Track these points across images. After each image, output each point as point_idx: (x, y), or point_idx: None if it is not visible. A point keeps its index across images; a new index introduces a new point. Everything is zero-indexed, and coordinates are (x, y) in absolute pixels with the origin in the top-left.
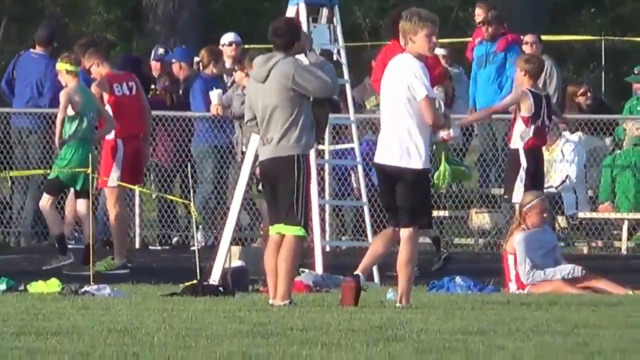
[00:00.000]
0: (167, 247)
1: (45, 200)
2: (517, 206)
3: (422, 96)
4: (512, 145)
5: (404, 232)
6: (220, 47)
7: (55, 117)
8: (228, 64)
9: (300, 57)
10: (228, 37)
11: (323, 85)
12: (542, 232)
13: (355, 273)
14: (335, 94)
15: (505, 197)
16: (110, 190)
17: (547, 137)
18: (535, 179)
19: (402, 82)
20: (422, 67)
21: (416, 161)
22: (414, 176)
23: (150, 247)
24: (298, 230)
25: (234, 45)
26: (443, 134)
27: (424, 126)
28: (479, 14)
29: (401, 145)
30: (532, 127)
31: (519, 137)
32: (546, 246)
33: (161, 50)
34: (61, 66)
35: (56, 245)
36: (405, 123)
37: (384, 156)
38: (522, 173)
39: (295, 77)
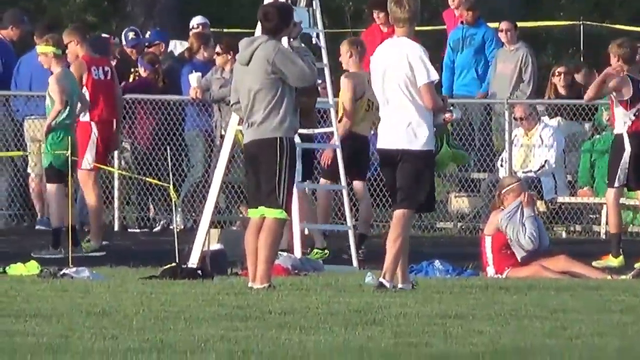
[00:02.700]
0: (146, 230)
1: (52, 189)
2: (615, 191)
3: (424, 81)
4: (616, 131)
5: (396, 213)
6: (190, 29)
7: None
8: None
9: (284, 41)
10: (196, 20)
11: (301, 73)
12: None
13: (379, 280)
14: (312, 84)
15: (607, 181)
16: (86, 173)
17: None
18: (637, 166)
19: (404, 66)
20: (425, 51)
21: (422, 142)
22: (419, 158)
23: (129, 229)
24: (279, 213)
25: (199, 28)
26: (445, 115)
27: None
28: None
29: (407, 128)
30: (633, 110)
31: (622, 122)
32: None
33: (132, 35)
34: (45, 49)
35: (52, 236)
36: (411, 105)
37: (389, 141)
38: (625, 157)
39: (275, 61)
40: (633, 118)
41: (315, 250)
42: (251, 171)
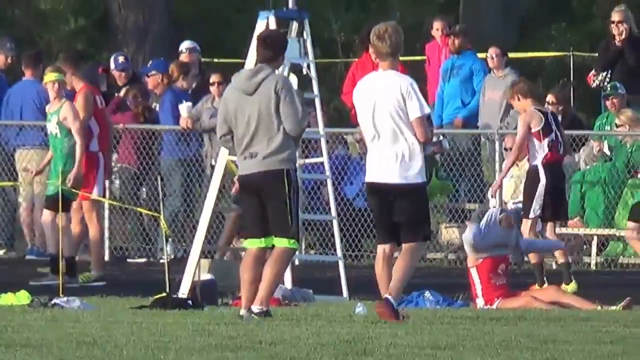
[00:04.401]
0: (136, 260)
1: (48, 216)
2: (530, 222)
3: (417, 115)
4: (531, 162)
5: (405, 246)
6: (179, 52)
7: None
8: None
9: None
10: (185, 44)
11: (294, 123)
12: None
13: (384, 297)
14: (297, 133)
15: (522, 213)
16: (91, 203)
17: (564, 154)
18: (555, 197)
19: (396, 98)
20: (415, 83)
21: (417, 175)
22: (416, 191)
23: (128, 259)
24: (291, 243)
25: (187, 52)
26: (434, 147)
27: (419, 140)
28: (438, 27)
29: (401, 162)
30: (546, 140)
31: (535, 154)
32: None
33: (122, 59)
34: (56, 77)
35: (50, 264)
36: (402, 137)
37: (381, 175)
38: (540, 189)
39: (280, 96)
40: (547, 150)
41: None
42: (255, 202)
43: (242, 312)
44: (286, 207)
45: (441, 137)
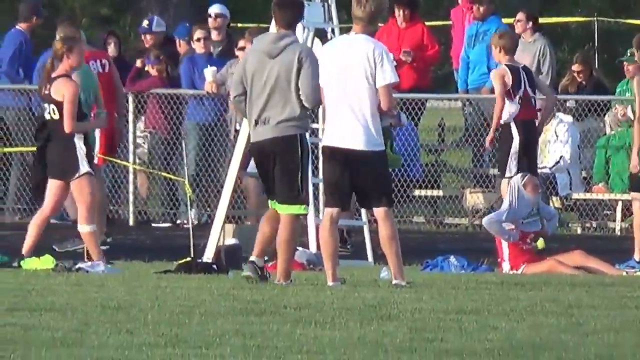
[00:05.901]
0: (161, 225)
1: None
2: (508, 181)
3: (386, 82)
4: (504, 120)
5: (380, 212)
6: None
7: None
8: (213, 35)
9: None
10: (213, 9)
11: (311, 93)
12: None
13: (395, 283)
14: (314, 105)
15: (499, 172)
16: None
17: (536, 111)
18: (529, 153)
19: (367, 63)
20: (387, 50)
21: (380, 143)
22: (380, 158)
23: (153, 224)
24: (301, 209)
25: (213, 17)
26: (392, 120)
27: (378, 109)
28: None
29: (366, 128)
30: (517, 98)
31: (507, 112)
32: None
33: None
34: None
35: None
36: (367, 105)
37: (346, 140)
38: (515, 146)
39: (303, 65)
40: (518, 106)
41: None
42: (270, 167)
43: (252, 257)
44: (298, 173)
45: (400, 111)
